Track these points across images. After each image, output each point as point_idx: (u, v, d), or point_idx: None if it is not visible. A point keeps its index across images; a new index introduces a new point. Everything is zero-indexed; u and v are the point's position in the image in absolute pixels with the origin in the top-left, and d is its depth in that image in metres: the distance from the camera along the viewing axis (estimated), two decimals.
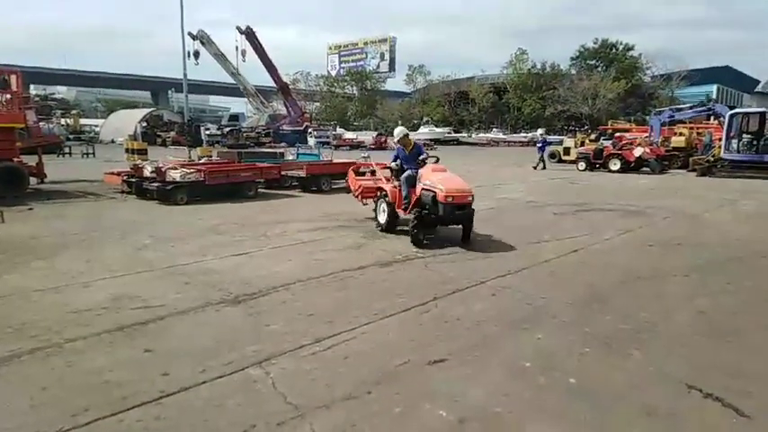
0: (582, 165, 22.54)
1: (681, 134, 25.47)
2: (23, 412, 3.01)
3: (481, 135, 57.98)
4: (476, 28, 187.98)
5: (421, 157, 8.28)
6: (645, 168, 21.11)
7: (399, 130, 8.73)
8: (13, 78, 13.92)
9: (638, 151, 21.33)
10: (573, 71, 66.10)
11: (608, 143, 23.96)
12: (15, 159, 13.09)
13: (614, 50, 65.19)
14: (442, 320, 4.56)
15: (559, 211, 10.79)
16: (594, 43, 66.10)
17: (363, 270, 6.17)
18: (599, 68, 63.46)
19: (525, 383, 3.47)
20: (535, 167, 22.15)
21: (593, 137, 28.96)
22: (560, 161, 26.78)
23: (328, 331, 4.24)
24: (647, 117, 41.32)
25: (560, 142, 31.33)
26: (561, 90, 59.46)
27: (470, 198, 7.38)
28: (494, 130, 62.71)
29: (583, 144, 26.56)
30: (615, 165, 21.53)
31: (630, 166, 21.15)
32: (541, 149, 22.83)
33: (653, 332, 4.41)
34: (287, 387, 3.33)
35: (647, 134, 26.25)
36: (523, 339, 4.19)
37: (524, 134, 56.95)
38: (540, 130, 26.75)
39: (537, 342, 4.14)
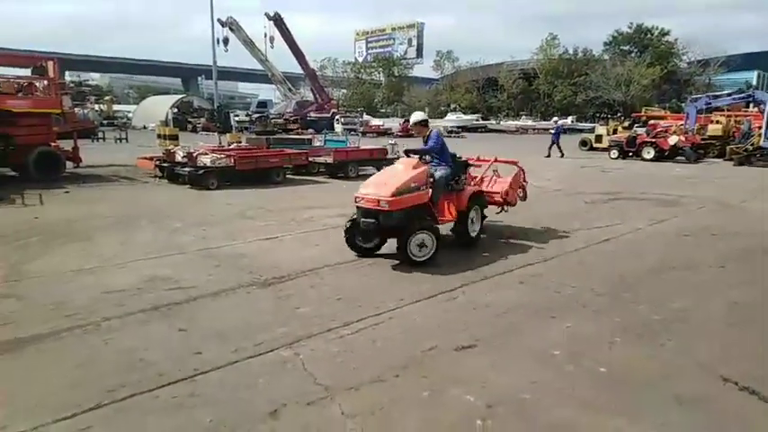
0: (614, 153, 22.03)
1: (718, 122, 24.62)
2: (63, 387, 3.13)
3: (510, 122, 57.10)
4: (505, 13, 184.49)
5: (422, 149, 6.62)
6: (680, 157, 20.51)
7: (416, 116, 6.93)
8: (50, 65, 14.27)
9: (672, 139, 20.73)
10: (606, 57, 64.37)
11: (642, 131, 23.36)
12: (52, 144, 13.46)
13: (649, 35, 63.19)
14: (469, 307, 4.55)
15: (590, 200, 10.61)
16: (629, 28, 64.22)
17: (388, 256, 6.18)
18: (633, 54, 61.67)
19: (554, 371, 3.44)
20: (548, 156, 21.48)
21: (626, 124, 28.28)
22: (592, 149, 26.24)
23: (356, 315, 4.28)
24: (683, 104, 40.04)
25: (592, 129, 30.67)
26: (593, 76, 58.00)
27: (384, 205, 5.55)
28: (523, 117, 61.68)
29: (615, 131, 25.95)
30: (649, 153, 20.97)
31: (665, 155, 20.57)
32: (556, 136, 22.20)
33: (686, 322, 4.32)
34: (316, 368, 3.38)
35: (682, 122, 25.49)
36: (552, 327, 4.16)
37: (555, 120, 55.90)
38: (555, 118, 26.14)
39: (566, 330, 4.10)
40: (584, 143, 27.26)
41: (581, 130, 43.86)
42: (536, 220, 8.33)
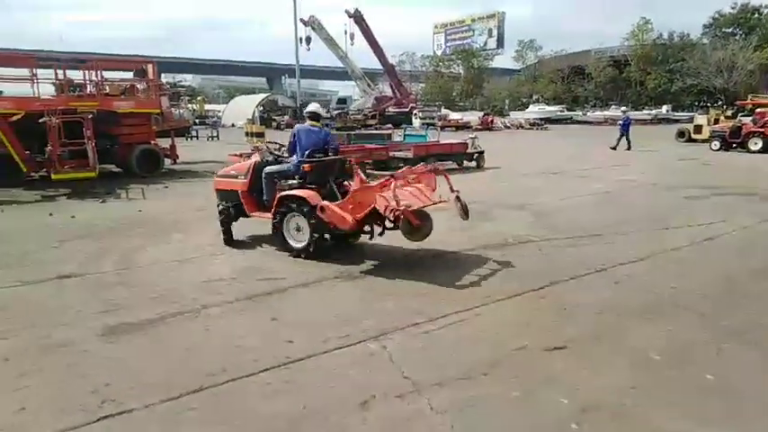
0: (716, 144, 20.36)
1: None
2: (170, 369, 3.36)
3: (597, 113, 54.37)
4: None
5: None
6: None
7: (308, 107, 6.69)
8: (150, 68, 15.37)
9: None
10: (705, 41, 59.60)
11: (747, 120, 21.38)
12: (152, 142, 14.49)
13: (757, 15, 57.71)
14: (559, 307, 4.39)
15: (690, 195, 9.87)
16: (732, 8, 58.95)
17: (472, 252, 6.10)
18: (737, 37, 56.61)
19: (654, 377, 3.24)
20: (614, 148, 20.21)
21: (729, 113, 26.04)
22: (690, 140, 24.41)
23: (441, 311, 4.25)
24: None
25: (690, 119, 28.54)
26: (691, 62, 53.85)
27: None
28: (612, 106, 58.53)
29: (717, 121, 23.97)
30: (756, 144, 19.18)
31: None
32: (624, 128, 20.84)
33: None
34: (403, 362, 3.40)
35: None
36: (651, 330, 3.91)
37: (648, 111, 52.54)
38: (623, 108, 24.38)
39: (667, 334, 3.84)
40: (681, 134, 25.42)
41: (677, 120, 41.03)
42: (628, 217, 7.88)
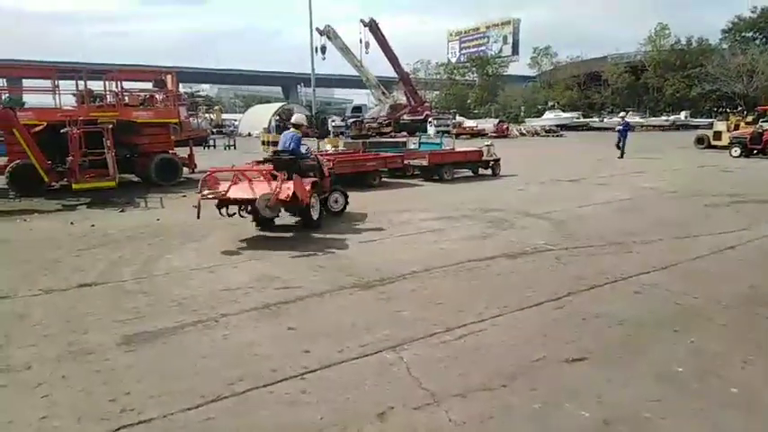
0: (736, 150, 20.05)
1: None
2: (189, 377, 3.37)
3: (614, 119, 53.85)
4: (607, 3, 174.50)
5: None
6: None
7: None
8: (169, 78, 15.62)
9: None
10: (724, 46, 58.84)
11: None
12: (171, 151, 14.68)
13: None
14: (578, 317, 4.33)
15: (711, 203, 9.70)
16: (752, 12, 58.21)
17: (490, 261, 6.06)
18: (757, 41, 55.83)
19: (678, 389, 3.17)
20: (621, 156, 19.64)
21: (749, 119, 25.59)
22: (709, 147, 24.08)
23: (458, 321, 4.22)
24: None
25: (709, 125, 28.15)
26: (710, 67, 53.12)
27: None
28: (629, 113, 57.93)
29: (737, 127, 23.60)
30: None
31: None
32: (622, 134, 20.27)
33: None
34: (421, 373, 3.37)
35: None
36: (674, 342, 3.84)
37: (665, 117, 51.94)
38: (621, 113, 23.84)
39: (690, 346, 3.77)
40: (700, 140, 25.09)
41: (696, 126, 40.50)
42: (648, 225, 7.78)
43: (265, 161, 8.31)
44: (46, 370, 3.49)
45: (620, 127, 20.97)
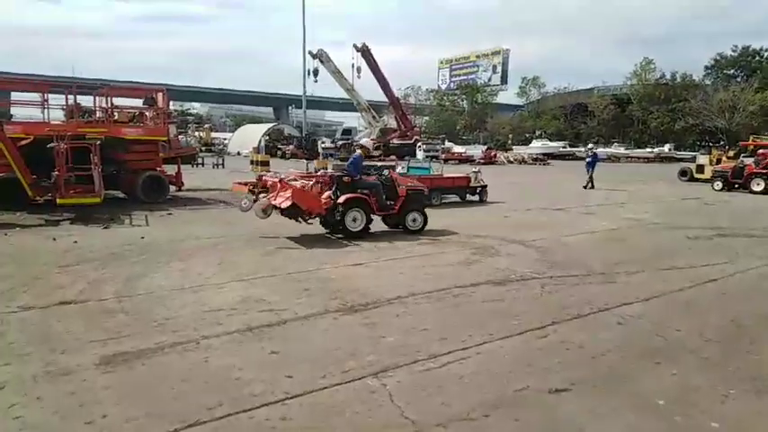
0: (718, 184, 20.46)
1: None
2: (167, 400, 3.31)
3: (600, 150, 54.75)
4: (594, 37, 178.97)
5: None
6: None
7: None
8: (159, 96, 15.62)
9: None
10: (707, 81, 60.49)
11: (749, 161, 21.51)
12: (158, 169, 14.60)
13: (757, 58, 58.74)
14: (562, 347, 4.33)
15: (693, 235, 9.85)
16: (733, 51, 60.10)
17: (476, 288, 6.07)
18: (738, 78, 57.49)
19: (659, 422, 3.18)
20: (585, 186, 19.60)
21: (731, 153, 26.18)
22: (692, 179, 24.53)
23: (442, 348, 4.21)
24: None
25: (692, 158, 28.73)
26: (694, 102, 54.50)
27: None
28: (614, 144, 58.97)
29: (719, 161, 24.11)
30: (758, 185, 19.24)
31: None
32: (590, 165, 20.15)
33: None
34: (403, 401, 3.34)
35: None
36: (656, 374, 3.86)
37: (650, 149, 52.96)
38: (590, 144, 23.86)
39: (672, 378, 3.79)
40: (683, 173, 25.57)
41: (680, 159, 41.30)
42: (632, 256, 7.87)
43: (330, 177, 9.51)
44: (20, 390, 3.41)
45: (589, 158, 20.79)
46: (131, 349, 4.08)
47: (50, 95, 13.73)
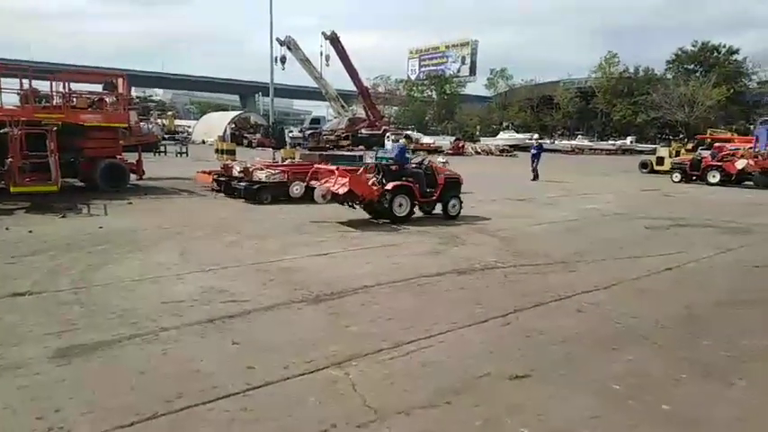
0: (677, 176, 21.14)
1: None
2: (124, 393, 3.23)
3: (565, 142, 55.83)
4: (561, 30, 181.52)
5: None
6: (748, 182, 19.45)
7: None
8: (120, 81, 15.12)
9: (740, 163, 19.67)
10: (669, 76, 62.18)
11: (706, 153, 22.30)
12: (118, 156, 14.16)
13: (716, 54, 60.67)
14: (523, 334, 4.42)
15: (651, 225, 10.17)
16: (693, 46, 61.83)
17: (441, 277, 6.12)
18: (698, 73, 59.31)
19: (615, 407, 3.28)
20: (534, 179, 19.57)
21: (689, 146, 27.08)
22: (652, 171, 25.27)
23: (406, 337, 4.23)
24: (752, 126, 38.06)
25: (653, 151, 29.57)
26: (655, 96, 55.99)
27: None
28: (579, 136, 60.20)
29: (678, 154, 24.94)
30: (714, 177, 19.98)
31: (732, 180, 19.56)
32: (535, 157, 20.17)
33: (759, 361, 4.03)
34: (366, 390, 3.35)
35: (751, 145, 24.18)
36: (612, 360, 3.97)
37: (612, 142, 54.27)
38: (535, 135, 24.28)
39: (627, 364, 3.90)
40: (644, 165, 26.32)
41: (641, 152, 42.44)
42: (593, 245, 8.06)
43: (375, 166, 10.23)
44: None
45: (534, 150, 20.76)
46: (88, 342, 3.96)
47: (5, 80, 13.12)
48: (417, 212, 10.13)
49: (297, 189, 10.78)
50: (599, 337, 4.42)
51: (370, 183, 9.56)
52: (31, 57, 60.98)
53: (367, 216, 9.94)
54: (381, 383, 3.47)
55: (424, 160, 10.76)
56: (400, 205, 9.51)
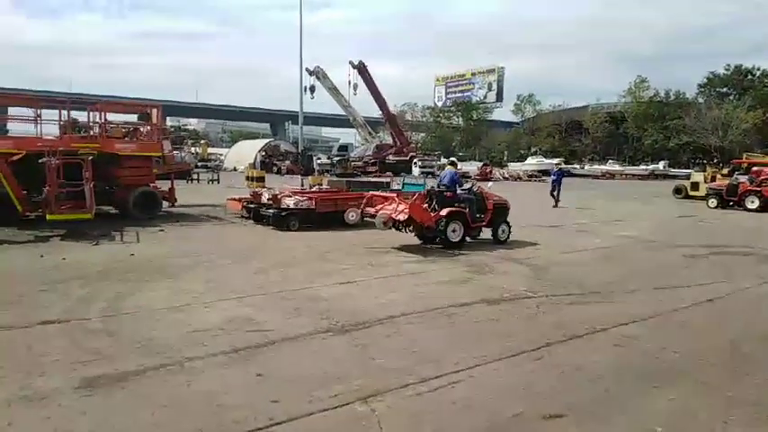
0: (713, 201, 20.47)
1: None
2: (146, 427, 3.18)
3: (595, 167, 54.95)
4: (589, 55, 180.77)
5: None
6: None
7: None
8: (154, 112, 15.57)
9: None
10: (701, 100, 61.00)
11: (744, 178, 21.56)
12: (151, 185, 14.48)
13: (750, 77, 59.38)
14: (557, 370, 4.22)
15: (689, 254, 9.77)
16: (726, 70, 60.71)
17: (469, 307, 5.95)
18: (731, 97, 58.02)
19: None
20: (555, 206, 18.63)
21: (725, 171, 26.28)
22: (687, 197, 24.55)
23: (434, 371, 4.09)
24: None
25: (687, 176, 28.81)
26: (687, 120, 54.84)
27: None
28: (609, 161, 59.23)
29: (714, 179, 24.17)
30: (753, 203, 19.26)
31: None
32: (556, 183, 19.36)
33: None
34: (393, 428, 3.22)
35: None
36: (653, 399, 3.74)
37: (644, 166, 53.22)
38: (555, 160, 23.50)
39: (670, 403, 3.67)
40: (678, 190, 25.60)
41: (674, 177, 41.45)
42: (628, 275, 7.78)
43: (427, 193, 10.34)
44: None
45: (554, 176, 20.18)
46: (112, 372, 3.94)
47: (46, 111, 13.65)
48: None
49: (352, 216, 10.77)
50: (638, 373, 4.18)
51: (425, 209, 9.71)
52: (72, 89, 63.77)
53: (394, 243, 9.85)
54: (408, 421, 3.33)
55: (473, 186, 10.93)
56: (454, 231, 9.62)
